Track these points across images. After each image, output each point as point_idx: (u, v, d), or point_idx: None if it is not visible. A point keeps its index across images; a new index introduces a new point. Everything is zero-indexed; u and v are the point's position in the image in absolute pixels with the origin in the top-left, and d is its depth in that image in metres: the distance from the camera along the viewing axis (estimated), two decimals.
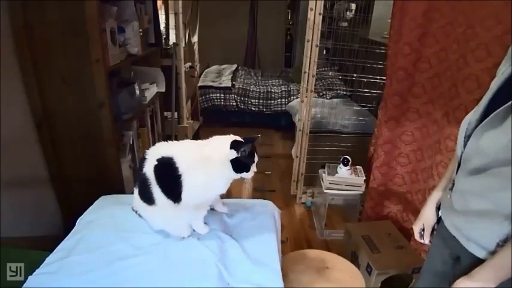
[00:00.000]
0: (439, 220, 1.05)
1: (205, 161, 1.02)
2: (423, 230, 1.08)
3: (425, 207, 1.09)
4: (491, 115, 0.79)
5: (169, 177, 1.01)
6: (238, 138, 1.06)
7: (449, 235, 0.94)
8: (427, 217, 1.07)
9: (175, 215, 1.06)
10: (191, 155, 1.03)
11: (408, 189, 2.06)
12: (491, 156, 0.79)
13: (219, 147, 1.03)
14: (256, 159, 1.06)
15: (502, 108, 0.76)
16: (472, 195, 0.87)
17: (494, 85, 0.85)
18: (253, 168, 1.05)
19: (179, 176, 0.99)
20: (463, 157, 0.89)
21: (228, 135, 1.07)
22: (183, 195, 1.01)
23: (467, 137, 0.88)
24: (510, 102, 0.74)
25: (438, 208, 1.05)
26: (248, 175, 1.05)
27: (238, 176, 1.04)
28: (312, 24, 2.21)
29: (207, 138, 1.09)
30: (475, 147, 0.84)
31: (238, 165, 1.02)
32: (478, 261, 0.83)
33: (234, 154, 1.01)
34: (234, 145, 1.01)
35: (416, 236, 1.09)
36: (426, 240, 1.08)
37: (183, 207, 1.03)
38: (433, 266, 1.08)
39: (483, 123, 0.81)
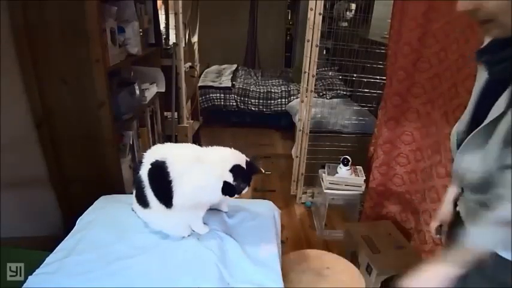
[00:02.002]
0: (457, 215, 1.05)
1: (200, 170, 1.00)
2: (440, 226, 1.08)
3: (442, 204, 1.08)
4: (469, 137, 0.78)
5: (161, 182, 1.00)
6: (241, 160, 1.02)
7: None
8: (444, 214, 1.06)
9: (171, 217, 1.05)
10: (185, 161, 1.02)
11: (407, 189, 2.07)
12: (477, 178, 0.79)
13: (219, 162, 1.00)
14: (246, 190, 1.04)
15: (478, 129, 0.76)
16: (476, 207, 0.85)
17: (475, 93, 0.85)
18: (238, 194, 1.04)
19: (170, 182, 0.98)
20: (454, 174, 0.89)
21: (231, 150, 1.04)
22: (174, 201, 1.00)
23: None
24: (483, 124, 0.74)
25: (455, 204, 1.04)
26: (230, 199, 1.04)
27: (221, 196, 1.02)
28: (312, 24, 2.21)
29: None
30: (461, 166, 0.84)
31: (227, 188, 1.00)
32: (501, 259, 0.81)
33: (230, 178, 0.99)
34: (235, 170, 0.99)
35: (433, 232, 1.09)
36: (443, 238, 1.08)
37: (176, 211, 1.02)
38: None
39: (464, 143, 0.81)
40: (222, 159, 1.01)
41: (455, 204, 1.03)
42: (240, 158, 1.03)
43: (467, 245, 0.80)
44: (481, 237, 0.78)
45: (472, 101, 0.85)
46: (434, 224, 1.09)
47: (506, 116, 0.71)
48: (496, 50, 0.74)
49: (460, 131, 0.87)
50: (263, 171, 1.08)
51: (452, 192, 1.05)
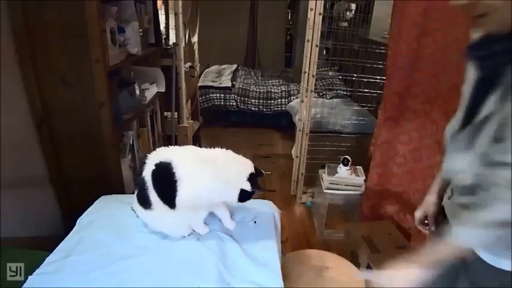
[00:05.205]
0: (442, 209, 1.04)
1: (211, 173, 1.01)
2: (426, 218, 1.07)
3: (427, 195, 1.07)
4: (457, 137, 0.79)
5: (165, 183, 1.00)
6: (252, 166, 1.07)
7: None
8: (428, 205, 1.05)
9: (173, 217, 1.06)
10: (192, 163, 1.03)
11: (406, 189, 2.06)
12: (464, 179, 0.78)
13: (237, 170, 1.04)
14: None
15: (466, 129, 0.76)
16: (466, 211, 0.82)
17: (466, 92, 0.84)
18: None
19: (175, 182, 0.99)
20: (445, 172, 0.88)
21: (243, 158, 1.08)
22: (177, 201, 1.00)
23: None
24: (471, 125, 0.75)
25: (441, 197, 1.02)
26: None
27: (238, 203, 1.07)
28: (312, 24, 2.21)
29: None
30: (450, 167, 0.83)
31: (244, 195, 1.05)
32: (488, 266, 0.80)
33: (248, 186, 1.03)
34: (251, 178, 1.03)
35: (417, 223, 1.08)
36: (432, 228, 1.05)
37: (178, 211, 1.03)
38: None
39: (452, 143, 0.81)
40: (240, 168, 1.05)
41: (441, 198, 1.02)
42: (250, 165, 1.07)
43: (451, 244, 0.79)
44: (466, 237, 0.77)
45: (464, 99, 0.84)
46: (417, 214, 1.08)
47: (495, 115, 0.69)
48: (488, 46, 0.72)
49: (453, 129, 0.86)
50: (264, 173, 1.12)
51: (437, 183, 1.03)
